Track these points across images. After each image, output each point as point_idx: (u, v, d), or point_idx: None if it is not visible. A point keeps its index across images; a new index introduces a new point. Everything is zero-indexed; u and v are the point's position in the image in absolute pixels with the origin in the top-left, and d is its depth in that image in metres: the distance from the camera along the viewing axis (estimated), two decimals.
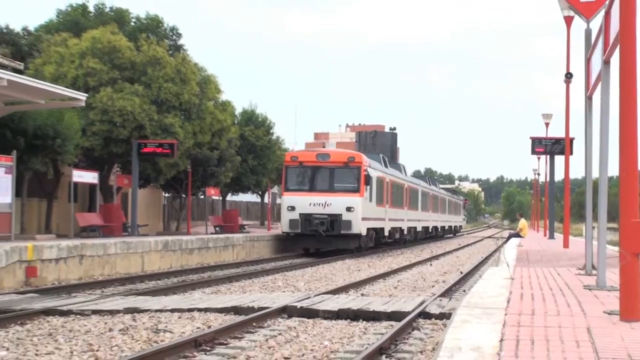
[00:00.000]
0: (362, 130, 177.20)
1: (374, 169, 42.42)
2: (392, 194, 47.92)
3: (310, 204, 38.28)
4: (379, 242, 45.57)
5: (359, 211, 38.42)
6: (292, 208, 38.54)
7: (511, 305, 10.00)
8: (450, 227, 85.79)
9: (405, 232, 53.76)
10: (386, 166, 48.36)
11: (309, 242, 39.44)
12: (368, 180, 39.59)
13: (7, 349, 11.88)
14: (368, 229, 40.63)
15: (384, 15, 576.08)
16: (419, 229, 60.72)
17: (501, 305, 9.93)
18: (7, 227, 28.14)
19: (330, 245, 39.41)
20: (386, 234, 46.16)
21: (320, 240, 38.75)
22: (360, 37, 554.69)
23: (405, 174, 57.94)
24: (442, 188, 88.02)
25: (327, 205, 38.15)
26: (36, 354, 11.48)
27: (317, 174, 39.46)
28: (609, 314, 9.12)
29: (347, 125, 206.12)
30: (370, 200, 40.94)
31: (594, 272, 13.76)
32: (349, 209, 38.03)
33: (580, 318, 8.90)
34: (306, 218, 38.12)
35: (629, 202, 8.47)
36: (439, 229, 75.15)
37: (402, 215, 52.43)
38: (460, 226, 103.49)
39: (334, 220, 37.99)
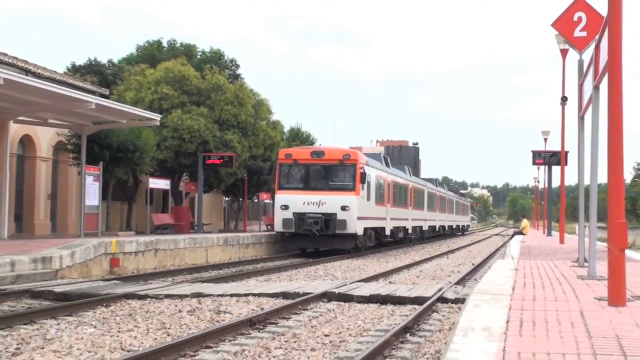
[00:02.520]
0: (390, 145, 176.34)
1: (373, 167, 35.90)
2: (394, 194, 41.26)
3: (304, 203, 31.98)
4: (381, 241, 38.87)
5: (355, 210, 32.03)
6: (286, 207, 32.16)
7: (516, 292, 9.93)
8: (458, 226, 79.78)
9: (410, 231, 46.93)
10: (387, 166, 41.75)
11: (304, 242, 32.78)
12: (364, 178, 32.95)
13: (95, 327, 11.97)
14: (365, 229, 34.03)
15: (409, 49, 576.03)
16: (425, 228, 54.15)
17: (507, 292, 9.87)
18: (95, 225, 28.44)
19: (326, 245, 32.76)
20: (387, 233, 39.38)
21: (315, 240, 32.28)
22: (387, 66, 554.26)
23: (410, 176, 50.71)
24: (450, 190, 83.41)
25: (322, 204, 31.87)
26: (119, 331, 11.55)
27: (311, 171, 33.07)
28: (599, 299, 9.03)
29: (377, 141, 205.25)
30: (369, 199, 34.49)
31: (586, 264, 13.63)
32: (344, 208, 31.73)
33: (575, 303, 8.82)
34: (300, 217, 31.80)
35: (616, 205, 8.41)
36: (447, 228, 68.89)
37: (406, 214, 45.78)
38: (468, 225, 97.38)
39: (329, 219, 31.66)
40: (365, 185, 33.37)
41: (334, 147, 36.57)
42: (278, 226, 32.70)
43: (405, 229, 45.02)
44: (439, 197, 62.94)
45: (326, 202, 31.84)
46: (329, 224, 31.61)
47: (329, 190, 32.35)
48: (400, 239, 44.10)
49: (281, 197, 32.77)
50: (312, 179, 32.96)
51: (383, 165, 39.72)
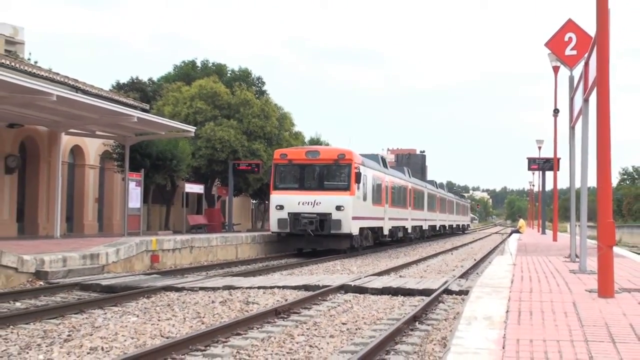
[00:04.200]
0: (400, 153, 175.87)
1: (369, 167, 32.44)
2: (392, 194, 37.53)
3: (299, 203, 28.76)
4: (380, 241, 35.69)
5: (349, 210, 28.73)
6: (281, 207, 28.95)
7: (514, 285, 9.87)
8: (458, 225, 76.09)
9: (410, 230, 43.04)
10: (385, 166, 37.97)
11: (299, 242, 29.57)
12: (359, 178, 29.59)
13: (137, 316, 12.01)
14: (361, 229, 30.74)
15: (416, 64, 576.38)
16: (425, 227, 50.30)
17: (506, 285, 9.80)
18: (137, 225, 28.60)
19: (322, 245, 29.33)
20: (385, 233, 35.70)
21: (310, 241, 29.07)
22: (397, 79, 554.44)
23: (410, 177, 46.60)
24: (450, 192, 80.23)
25: (317, 204, 28.65)
26: (158, 320, 11.58)
27: (306, 171, 29.71)
28: (590, 292, 8.96)
29: (388, 149, 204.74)
30: (365, 199, 31.18)
31: (577, 259, 13.53)
32: (338, 208, 28.50)
33: (567, 295, 8.75)
34: (295, 217, 28.67)
35: (604, 207, 8.34)
36: (447, 228, 65.01)
37: (406, 214, 41.98)
38: (468, 225, 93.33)
39: (324, 219, 28.50)
40: (361, 185, 30.28)
41: (329, 147, 33.86)
42: (273, 226, 29.52)
43: (404, 229, 41.63)
44: (439, 198, 59.65)
45: (321, 202, 28.75)
46: (324, 224, 28.60)
47: (324, 190, 29.15)
48: (399, 239, 40.80)
49: (276, 197, 29.51)
50: (307, 179, 29.74)
51: (380, 166, 36.37)
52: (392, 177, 38.47)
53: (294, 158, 29.92)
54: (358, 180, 29.51)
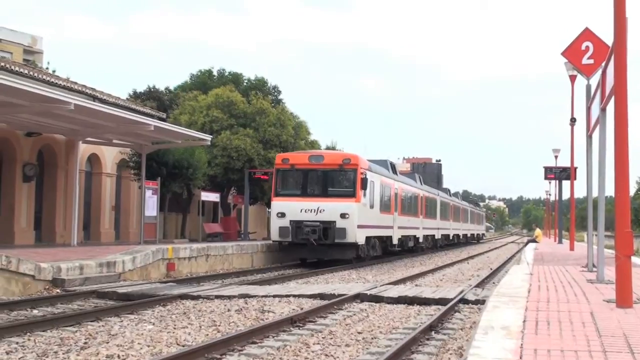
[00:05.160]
0: (415, 162, 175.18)
1: (377, 173, 30.44)
2: (402, 201, 35.57)
3: (301, 210, 26.99)
4: (388, 250, 33.43)
5: (355, 218, 26.91)
6: (282, 215, 27.24)
7: (531, 295, 9.80)
8: (472, 234, 74.20)
9: (421, 240, 41.08)
10: (394, 172, 36.05)
11: (302, 251, 27.77)
12: (365, 184, 27.58)
13: (153, 324, 12.03)
14: (368, 238, 28.79)
15: (431, 72, 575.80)
16: (438, 236, 48.15)
17: (523, 295, 9.74)
18: (153, 233, 28.68)
19: (326, 255, 27.49)
20: (395, 242, 33.61)
21: (313, 250, 27.23)
22: (413, 91, 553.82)
23: (421, 184, 44.56)
24: (465, 200, 78.18)
25: (320, 211, 26.85)
26: (174, 328, 11.59)
27: (309, 177, 27.99)
28: (608, 302, 8.88)
29: (404, 158, 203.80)
30: (372, 206, 29.23)
31: (595, 269, 13.43)
32: (343, 216, 26.68)
33: (585, 305, 8.68)
34: (297, 225, 26.85)
35: (622, 216, 8.28)
36: (461, 237, 62.97)
37: (417, 223, 40.01)
38: (483, 234, 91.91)
39: (327, 227, 26.69)
40: (368, 191, 28.33)
41: (334, 152, 32.62)
42: (274, 235, 27.88)
43: (415, 238, 39.62)
44: (453, 206, 57.41)
45: (325, 209, 26.96)
46: (327, 233, 26.81)
47: (328, 196, 27.38)
48: (410, 248, 38.71)
49: (278, 204, 27.83)
50: (310, 184, 27.98)
51: (389, 172, 34.31)
52: (402, 183, 36.72)
53: (296, 163, 28.22)
54: (364, 187, 27.71)
